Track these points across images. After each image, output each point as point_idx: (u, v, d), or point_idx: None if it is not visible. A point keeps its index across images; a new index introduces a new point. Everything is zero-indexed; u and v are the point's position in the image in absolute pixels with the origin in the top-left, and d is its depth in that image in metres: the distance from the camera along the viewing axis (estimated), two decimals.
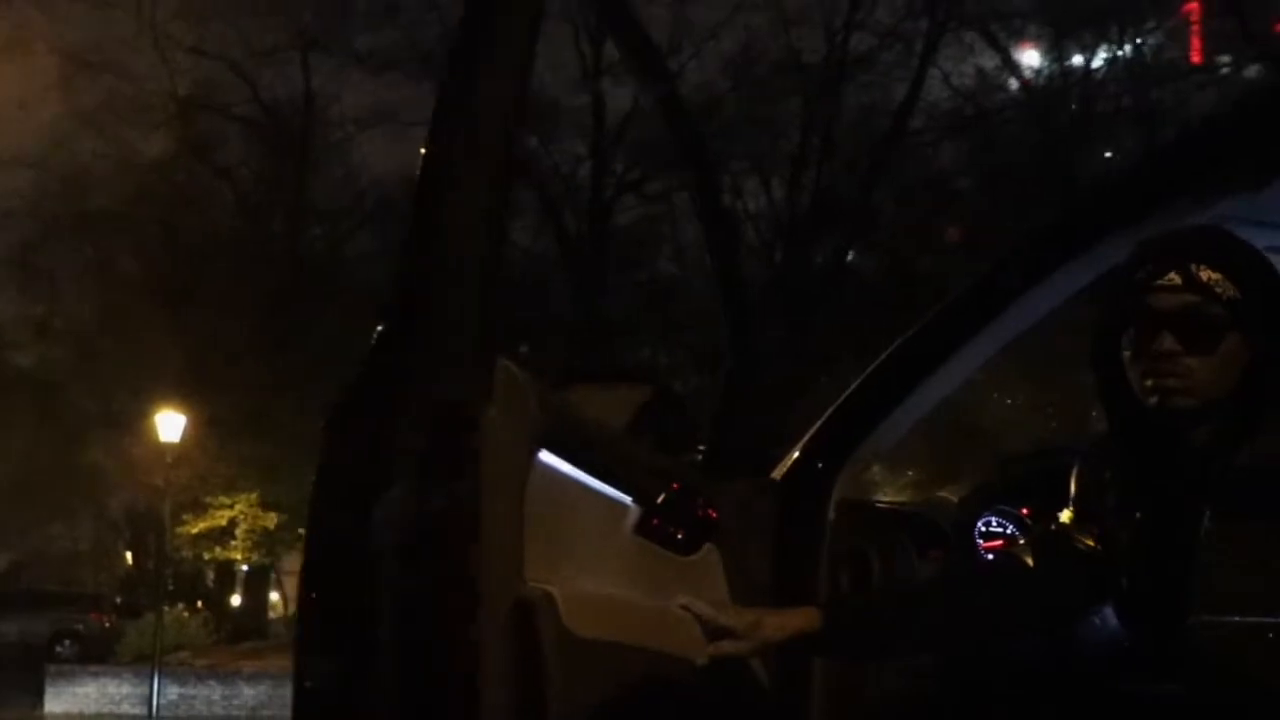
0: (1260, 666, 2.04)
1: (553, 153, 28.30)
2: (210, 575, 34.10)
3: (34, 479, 29.12)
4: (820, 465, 2.82)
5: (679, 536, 2.36)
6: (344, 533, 1.73)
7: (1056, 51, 26.24)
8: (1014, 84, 26.94)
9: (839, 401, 2.87)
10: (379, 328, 1.75)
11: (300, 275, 28.15)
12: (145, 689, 23.85)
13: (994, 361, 2.92)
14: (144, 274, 28.89)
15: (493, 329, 1.73)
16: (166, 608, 27.02)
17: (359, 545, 1.71)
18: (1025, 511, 3.36)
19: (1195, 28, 26.48)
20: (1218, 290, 2.09)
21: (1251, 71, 23.29)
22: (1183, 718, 2.15)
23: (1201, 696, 2.10)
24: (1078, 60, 26.33)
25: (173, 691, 24.15)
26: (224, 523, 28.92)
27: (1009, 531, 3.33)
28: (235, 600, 34.70)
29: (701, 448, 2.88)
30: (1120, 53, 25.83)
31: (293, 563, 33.52)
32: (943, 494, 3.65)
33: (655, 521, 2.27)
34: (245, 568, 33.14)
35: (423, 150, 1.79)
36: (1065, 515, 2.35)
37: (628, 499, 2.21)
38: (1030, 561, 2.34)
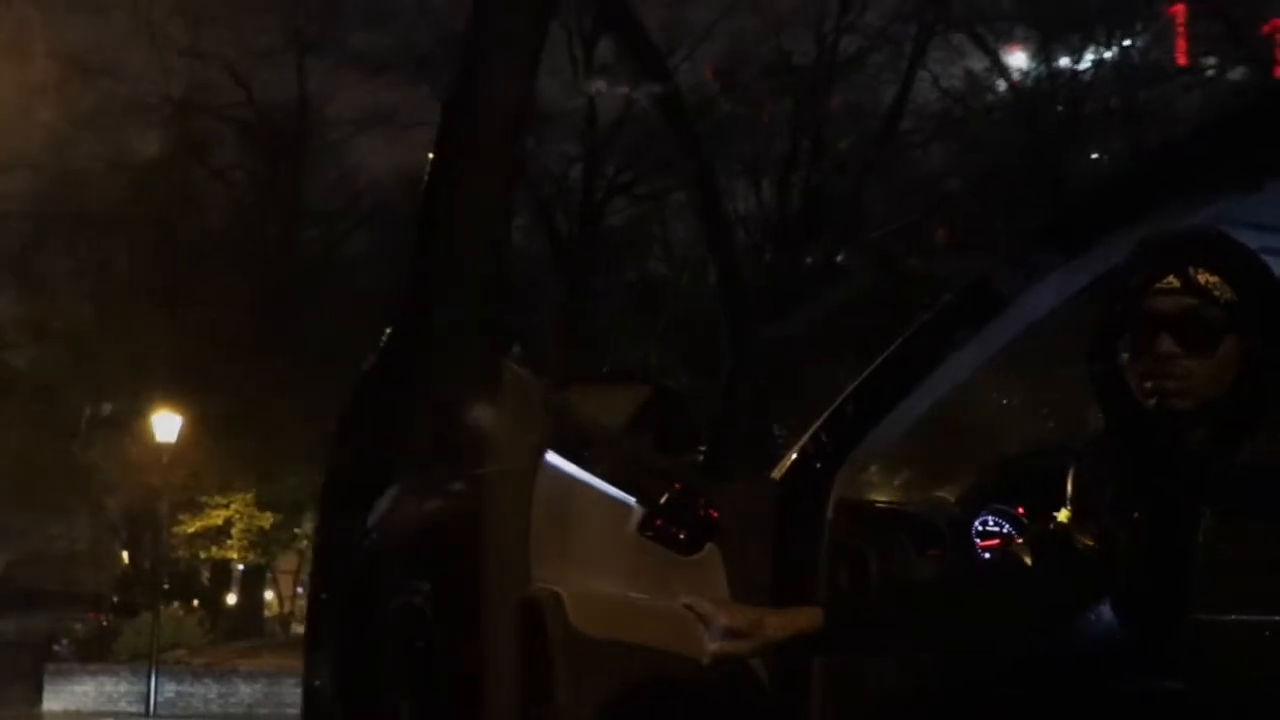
0: (1258, 665, 2.06)
1: (544, 154, 28.29)
2: (206, 574, 34.08)
3: (32, 479, 29.09)
4: (819, 465, 2.84)
5: (681, 536, 2.38)
6: (352, 534, 1.75)
7: (1044, 54, 26.28)
8: (1002, 85, 26.98)
9: (837, 402, 2.88)
10: (387, 329, 1.76)
11: (296, 276, 28.16)
12: (142, 687, 23.88)
13: (991, 362, 2.93)
14: (140, 275, 28.86)
15: (498, 331, 1.75)
16: (163, 607, 27.00)
17: (367, 546, 1.72)
18: (1021, 511, 3.38)
19: (1181, 30, 26.51)
20: (1215, 293, 2.11)
21: (1237, 73, 23.34)
22: (1181, 716, 2.17)
23: (1199, 694, 2.12)
24: (1065, 62, 26.37)
25: (170, 689, 24.19)
26: (220, 522, 28.96)
27: (1005, 530, 3.35)
28: (231, 599, 34.70)
29: (702, 448, 2.90)
30: (1107, 55, 25.87)
31: (288, 562, 33.57)
32: (940, 493, 3.66)
33: (658, 522, 2.28)
34: (241, 567, 33.15)
35: (430, 155, 1.80)
36: (1063, 514, 2.37)
37: (631, 499, 2.23)
38: (1029, 560, 2.36)
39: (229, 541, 29.31)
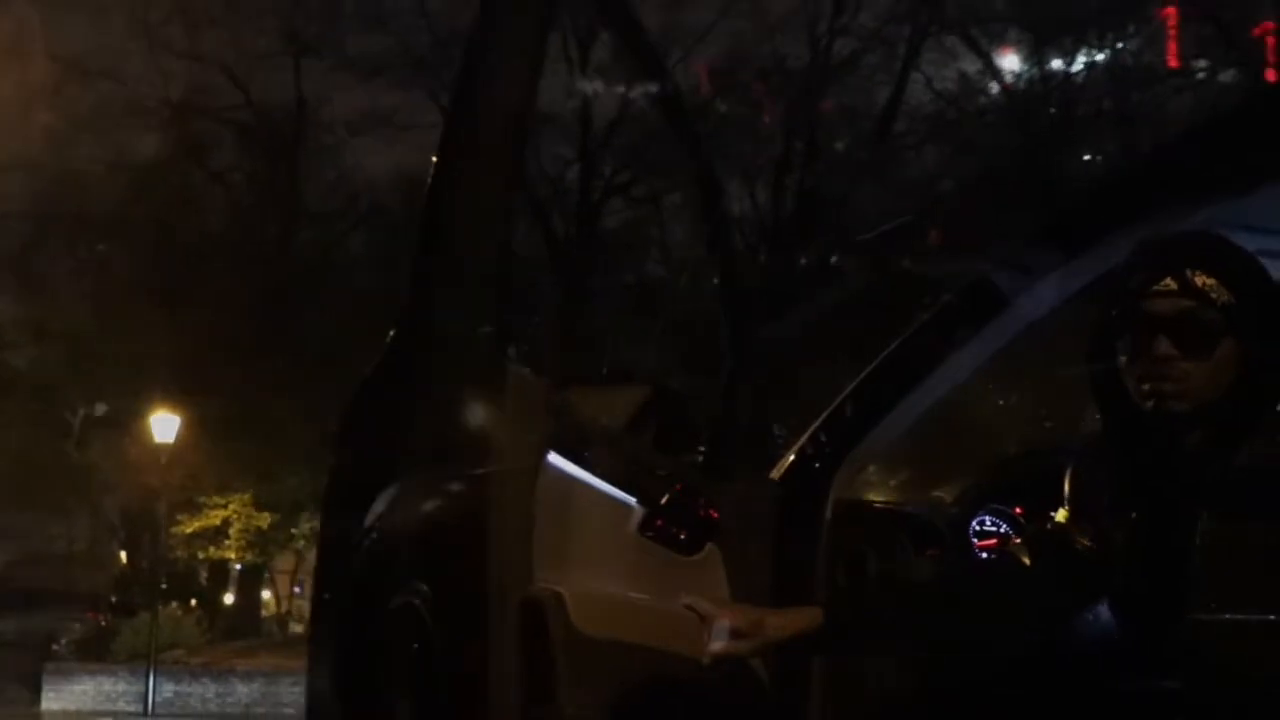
0: (1256, 664, 2.07)
1: (541, 156, 28.27)
2: (204, 574, 34.04)
3: (31, 479, 29.10)
4: (818, 466, 2.84)
5: (681, 537, 2.38)
6: (355, 534, 1.75)
7: (1036, 56, 26.30)
8: (995, 88, 27.00)
9: (836, 402, 2.89)
10: (392, 331, 1.77)
11: (294, 277, 28.15)
12: (141, 687, 23.86)
13: (990, 362, 2.94)
14: (139, 276, 28.84)
15: (503, 332, 1.76)
16: (161, 607, 27.00)
17: (367, 546, 1.73)
18: (1019, 511, 3.39)
19: (1172, 32, 26.53)
20: (1213, 295, 2.12)
21: (1228, 76, 23.36)
22: (1179, 715, 2.18)
23: (1197, 694, 2.12)
24: (1057, 64, 26.39)
25: (168, 689, 24.18)
26: (218, 522, 28.94)
27: (1003, 530, 3.36)
28: (229, 599, 34.66)
29: (702, 448, 2.90)
30: (1099, 57, 25.90)
31: (286, 562, 33.58)
32: (938, 493, 3.67)
33: (659, 522, 2.29)
34: (239, 567, 33.11)
35: (432, 156, 1.81)
36: (1061, 515, 2.37)
37: (631, 500, 2.24)
38: (1027, 560, 2.36)
39: (227, 541, 29.30)
